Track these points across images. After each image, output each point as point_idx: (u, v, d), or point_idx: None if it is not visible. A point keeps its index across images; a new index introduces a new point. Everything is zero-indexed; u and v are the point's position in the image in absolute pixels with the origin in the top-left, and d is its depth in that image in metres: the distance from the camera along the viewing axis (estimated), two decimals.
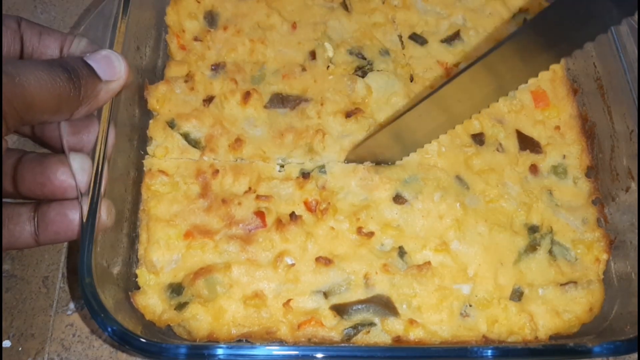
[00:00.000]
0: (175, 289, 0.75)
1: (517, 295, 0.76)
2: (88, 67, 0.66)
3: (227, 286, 0.74)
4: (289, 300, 0.73)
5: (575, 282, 0.76)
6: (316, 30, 0.93)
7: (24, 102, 0.58)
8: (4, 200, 0.69)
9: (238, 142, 0.83)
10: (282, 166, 0.83)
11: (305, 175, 0.82)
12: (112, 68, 0.68)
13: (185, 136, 0.84)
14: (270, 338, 0.73)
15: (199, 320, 0.73)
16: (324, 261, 0.75)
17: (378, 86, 0.88)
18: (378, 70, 0.90)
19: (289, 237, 0.76)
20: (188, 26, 0.92)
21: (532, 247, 0.78)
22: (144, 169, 0.81)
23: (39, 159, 0.68)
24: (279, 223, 0.77)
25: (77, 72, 0.63)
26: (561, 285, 0.76)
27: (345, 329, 0.73)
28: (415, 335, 0.72)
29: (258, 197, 0.80)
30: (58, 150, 0.69)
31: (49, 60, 0.69)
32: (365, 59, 0.91)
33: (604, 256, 0.78)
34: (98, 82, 0.66)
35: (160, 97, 0.85)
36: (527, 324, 0.74)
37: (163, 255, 0.76)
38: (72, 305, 0.84)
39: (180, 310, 0.73)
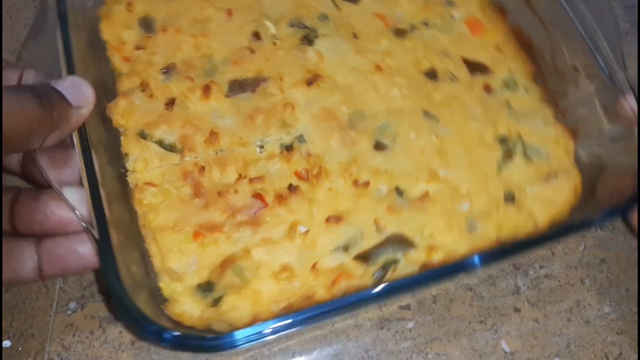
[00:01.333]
0: (206, 287, 0.76)
1: (510, 198, 0.84)
2: (57, 92, 0.65)
3: (253, 270, 0.76)
4: (314, 264, 0.77)
5: (555, 174, 0.86)
6: (252, 12, 0.94)
7: None
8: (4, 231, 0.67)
9: (213, 135, 0.84)
10: (262, 147, 0.85)
11: (288, 148, 0.85)
12: (81, 94, 0.68)
13: (160, 143, 0.83)
14: (310, 303, 0.76)
15: (238, 308, 0.75)
16: (334, 220, 0.79)
17: (327, 50, 0.92)
18: (323, 35, 0.94)
19: (293, 208, 0.79)
20: (126, 37, 0.91)
21: (508, 155, 0.87)
22: (130, 186, 0.80)
23: (35, 195, 0.67)
24: (280, 198, 0.80)
25: (47, 97, 0.62)
26: (544, 179, 0.85)
27: (374, 273, 0.77)
28: (437, 258, 0.78)
29: (251, 180, 0.81)
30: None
31: (16, 86, 0.67)
32: (307, 27, 0.94)
33: (571, 145, 0.88)
34: (69, 107, 0.65)
35: (123, 112, 0.84)
36: (528, 220, 0.82)
37: (180, 262, 0.76)
38: (72, 305, 0.83)
39: (216, 305, 0.75)
